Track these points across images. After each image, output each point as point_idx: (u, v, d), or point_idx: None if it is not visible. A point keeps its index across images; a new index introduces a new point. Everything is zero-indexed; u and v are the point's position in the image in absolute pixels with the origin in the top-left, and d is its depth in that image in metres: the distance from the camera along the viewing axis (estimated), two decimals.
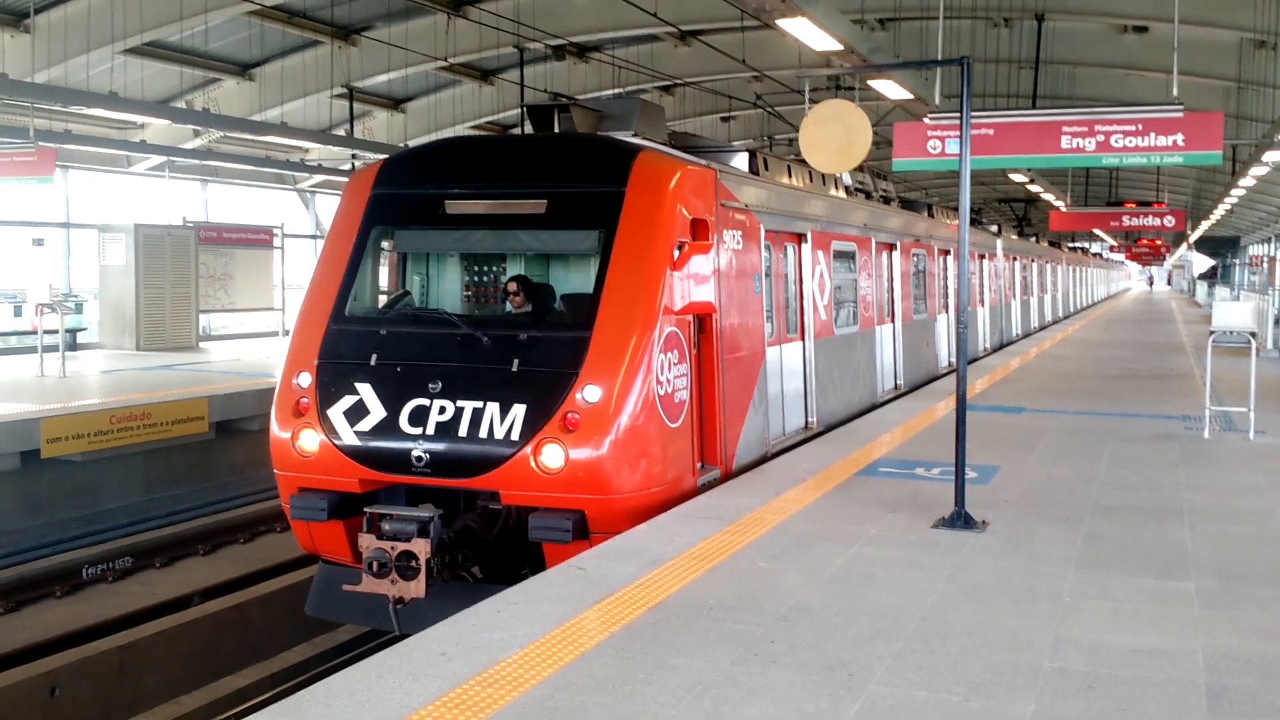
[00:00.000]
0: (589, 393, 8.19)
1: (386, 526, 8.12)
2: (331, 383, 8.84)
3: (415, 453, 8.36)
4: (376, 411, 8.58)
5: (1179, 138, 12.00)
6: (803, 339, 12.36)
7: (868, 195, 16.64)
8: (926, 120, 13.25)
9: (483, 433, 8.27)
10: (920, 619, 6.04)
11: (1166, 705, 4.93)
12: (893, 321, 16.61)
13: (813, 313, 12.45)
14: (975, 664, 5.40)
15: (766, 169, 12.04)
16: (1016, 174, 26.54)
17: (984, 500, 8.76)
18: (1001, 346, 26.01)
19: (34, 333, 21.21)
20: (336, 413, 8.68)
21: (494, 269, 10.62)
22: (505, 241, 9.54)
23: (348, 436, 8.59)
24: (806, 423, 12.37)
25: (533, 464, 8.14)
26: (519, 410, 8.24)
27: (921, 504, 8.71)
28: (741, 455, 10.06)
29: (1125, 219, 32.03)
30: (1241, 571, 7.05)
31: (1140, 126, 12.28)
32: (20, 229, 29.23)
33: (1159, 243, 66.50)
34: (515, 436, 8.19)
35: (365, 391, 8.67)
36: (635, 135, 10.29)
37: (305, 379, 8.94)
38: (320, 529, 8.81)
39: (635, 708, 4.84)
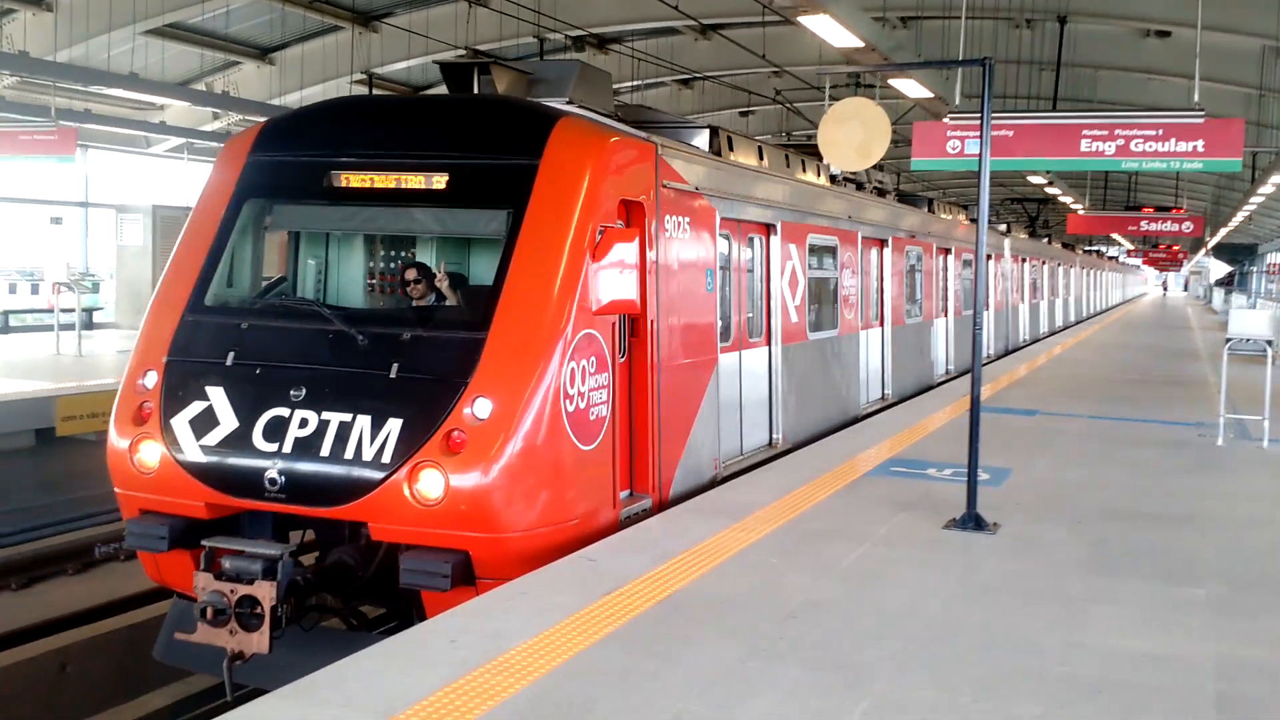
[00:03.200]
0: (479, 407, 6.91)
1: (227, 564, 6.93)
2: (179, 385, 7.55)
3: (269, 474, 7.07)
4: (227, 421, 7.30)
5: (1199, 144, 11.98)
6: (769, 344, 11.10)
7: (859, 186, 15.18)
8: (946, 120, 13.26)
9: (349, 452, 6.99)
10: (929, 619, 6.05)
11: (1175, 711, 4.93)
12: (881, 325, 15.33)
13: (780, 314, 11.17)
14: (984, 665, 5.40)
15: (731, 149, 10.65)
16: (1034, 176, 26.47)
17: (995, 502, 8.75)
18: (1008, 352, 24.99)
19: (51, 311, 21.30)
20: (181, 421, 7.40)
21: (404, 253, 9.31)
22: (399, 221, 8.23)
23: (191, 451, 7.32)
24: (771, 439, 11.14)
25: (407, 492, 6.85)
26: (394, 426, 6.97)
27: (932, 504, 8.70)
28: (683, 479, 8.88)
29: (1143, 223, 31.95)
30: (1252, 579, 7.03)
31: (1161, 131, 12.27)
32: (39, 207, 29.36)
33: (1176, 248, 66.30)
34: (387, 458, 6.91)
35: (216, 397, 7.39)
36: (569, 103, 8.86)
37: (151, 379, 7.67)
38: (166, 560, 7.57)
39: (643, 699, 4.86)
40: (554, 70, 9.34)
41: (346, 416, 7.08)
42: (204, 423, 7.36)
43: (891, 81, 15.66)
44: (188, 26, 24.48)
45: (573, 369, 7.26)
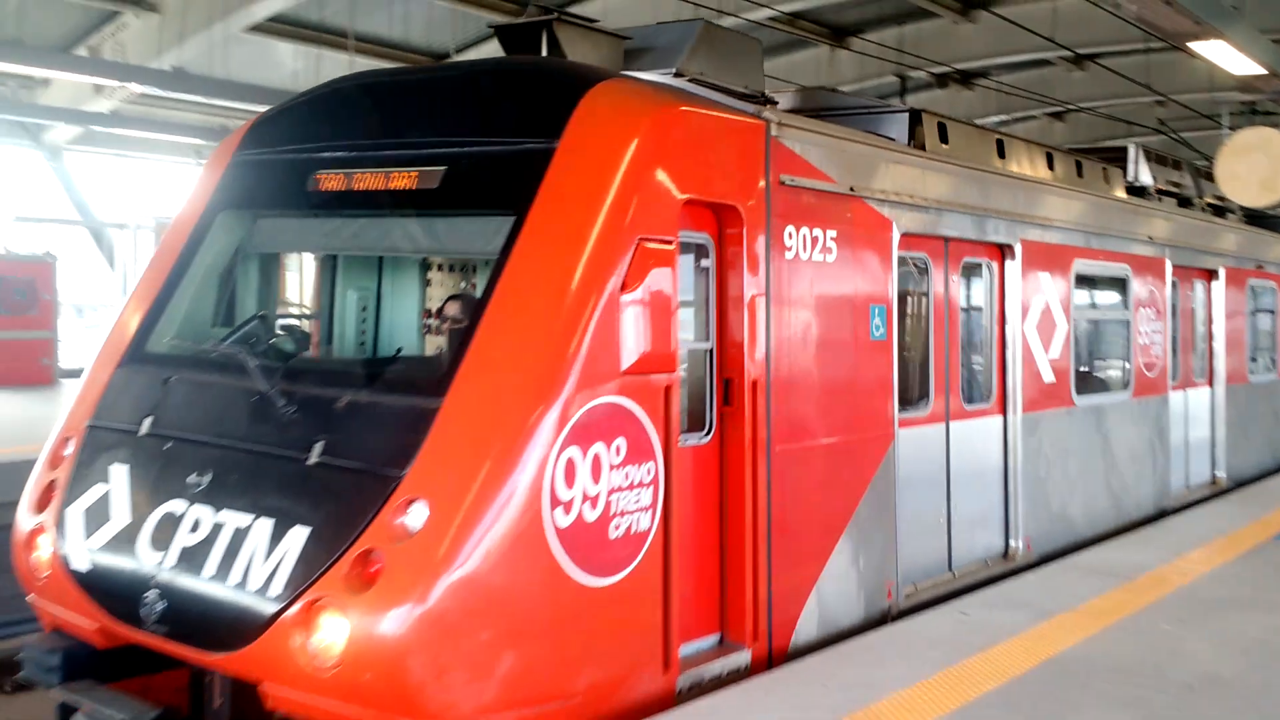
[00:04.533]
0: (413, 514, 4.64)
1: None
2: (89, 460, 5.79)
3: (147, 595, 5.11)
4: (119, 516, 5.46)
5: None
6: (1002, 411, 8.39)
7: (1183, 202, 12.05)
8: None
9: (234, 573, 4.90)
10: None
11: None
12: (1209, 384, 12.26)
13: (1023, 368, 8.45)
14: None
15: (945, 142, 7.97)
16: None
17: None
18: None
19: None
20: (77, 511, 5.61)
21: (468, 281, 7.33)
22: (390, 235, 6.00)
23: (78, 553, 5.49)
24: (1007, 548, 8.41)
25: (298, 642, 4.64)
26: (296, 537, 4.82)
27: None
28: (821, 615, 6.36)
29: None
30: None
31: None
32: None
33: None
34: (278, 587, 4.74)
35: (118, 479, 5.57)
36: (678, 76, 6.34)
37: (70, 448, 5.95)
38: None
39: None
40: (666, 35, 6.67)
41: (244, 519, 5.03)
42: (97, 515, 5.55)
43: None
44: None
45: (571, 458, 4.85)
